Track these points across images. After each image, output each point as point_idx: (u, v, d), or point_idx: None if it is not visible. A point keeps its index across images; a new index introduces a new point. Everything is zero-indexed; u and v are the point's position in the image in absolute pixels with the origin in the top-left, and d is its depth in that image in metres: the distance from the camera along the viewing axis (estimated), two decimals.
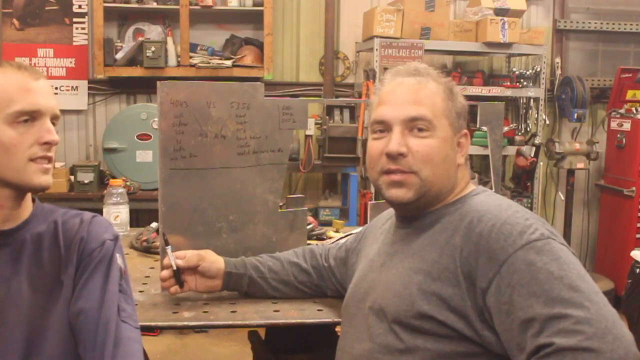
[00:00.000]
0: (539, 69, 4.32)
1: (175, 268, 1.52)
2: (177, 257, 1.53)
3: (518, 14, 4.15)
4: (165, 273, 1.53)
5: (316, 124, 3.96)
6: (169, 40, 4.07)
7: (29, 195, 1.24)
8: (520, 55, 4.44)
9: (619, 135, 4.38)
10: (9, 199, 1.18)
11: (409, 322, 1.16)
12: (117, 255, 1.24)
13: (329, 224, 2.44)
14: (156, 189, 1.67)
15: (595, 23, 4.73)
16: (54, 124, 1.20)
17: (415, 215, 1.29)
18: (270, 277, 1.59)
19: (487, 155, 2.01)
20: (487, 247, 1.10)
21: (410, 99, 1.26)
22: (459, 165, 1.29)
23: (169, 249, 1.53)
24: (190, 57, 4.06)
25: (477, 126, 2.00)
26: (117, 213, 2.24)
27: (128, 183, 3.65)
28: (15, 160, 1.14)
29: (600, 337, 0.96)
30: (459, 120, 1.29)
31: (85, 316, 1.17)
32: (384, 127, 1.28)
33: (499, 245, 1.09)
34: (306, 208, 1.85)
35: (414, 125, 1.24)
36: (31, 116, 1.15)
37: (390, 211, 1.42)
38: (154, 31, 4.25)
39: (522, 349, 1.02)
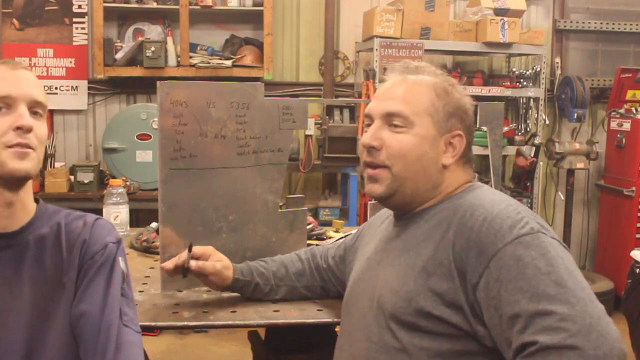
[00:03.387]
0: (538, 69, 4.32)
1: (186, 266, 1.50)
2: (195, 254, 1.51)
3: (518, 14, 4.14)
4: (170, 264, 1.52)
5: (316, 124, 3.96)
6: (169, 40, 4.07)
7: (30, 196, 1.23)
8: (520, 55, 4.44)
9: (618, 135, 4.38)
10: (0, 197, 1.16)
11: (405, 319, 1.16)
12: (120, 258, 1.24)
13: (329, 224, 2.44)
14: (156, 189, 1.67)
15: (595, 23, 4.73)
16: (38, 113, 1.18)
17: (408, 213, 1.29)
18: (275, 283, 1.59)
19: (487, 155, 2.01)
20: (477, 242, 1.10)
21: (391, 94, 1.28)
22: (445, 165, 1.27)
23: (187, 251, 1.52)
24: (190, 57, 4.06)
25: (477, 126, 2.00)
26: (117, 213, 2.24)
27: (128, 183, 3.65)
28: None
29: (584, 335, 0.95)
30: (450, 120, 1.27)
31: (86, 320, 1.16)
32: (370, 120, 1.30)
33: (488, 239, 1.09)
34: (306, 208, 1.85)
35: (391, 120, 1.26)
36: (5, 104, 1.14)
37: (388, 210, 1.42)
38: (153, 31, 4.25)
39: (510, 344, 1.02)
